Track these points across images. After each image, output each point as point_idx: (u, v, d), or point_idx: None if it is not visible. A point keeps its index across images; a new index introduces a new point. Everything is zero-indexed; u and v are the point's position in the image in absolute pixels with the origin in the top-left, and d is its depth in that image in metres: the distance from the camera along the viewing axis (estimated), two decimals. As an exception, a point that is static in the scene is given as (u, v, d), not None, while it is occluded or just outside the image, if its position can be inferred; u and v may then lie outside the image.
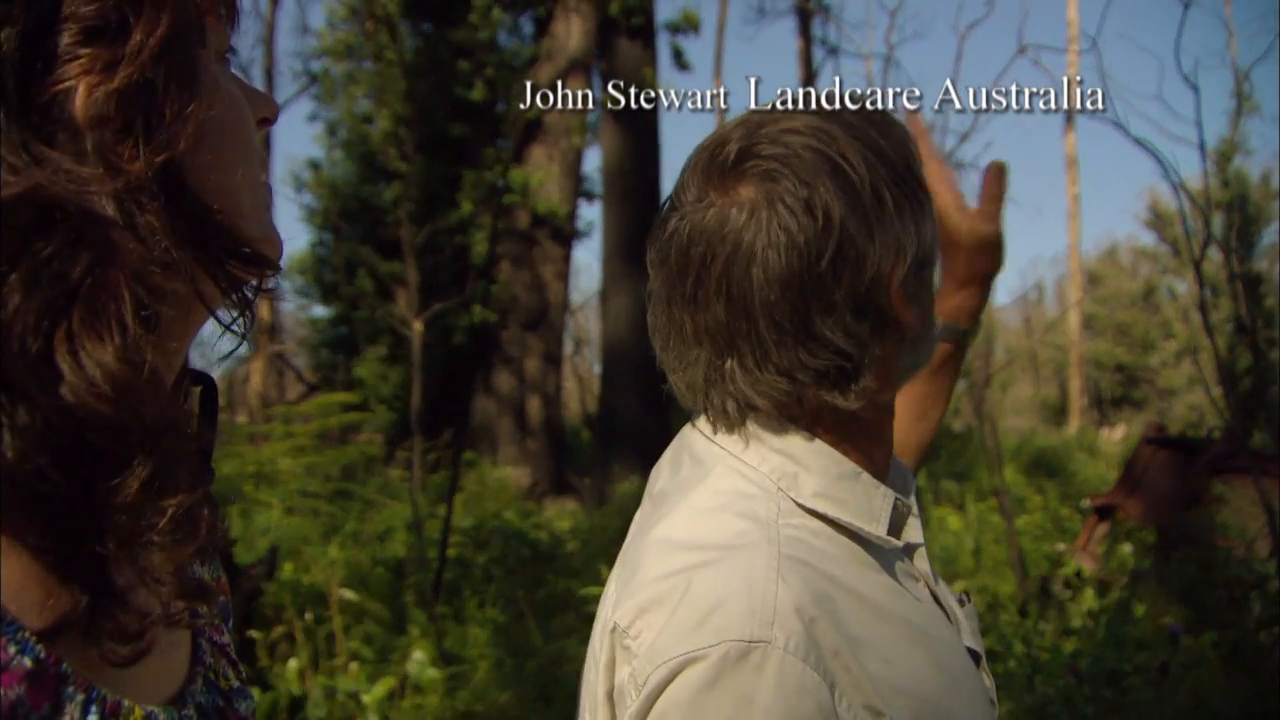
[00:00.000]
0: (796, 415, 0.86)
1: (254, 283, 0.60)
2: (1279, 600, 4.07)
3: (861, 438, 0.87)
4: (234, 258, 0.57)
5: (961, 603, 0.98)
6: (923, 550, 0.93)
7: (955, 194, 1.09)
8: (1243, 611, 4.08)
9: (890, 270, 0.82)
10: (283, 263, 0.64)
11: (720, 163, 0.83)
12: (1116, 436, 16.55)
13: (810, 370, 0.81)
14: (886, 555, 0.87)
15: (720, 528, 0.81)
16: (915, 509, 0.93)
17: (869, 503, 0.86)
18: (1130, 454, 7.14)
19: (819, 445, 0.85)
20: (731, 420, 0.86)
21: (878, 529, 0.85)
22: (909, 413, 1.15)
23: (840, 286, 0.80)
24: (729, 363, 0.83)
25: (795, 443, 0.85)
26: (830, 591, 0.79)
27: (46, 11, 0.50)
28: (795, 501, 0.84)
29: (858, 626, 0.79)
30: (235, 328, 0.60)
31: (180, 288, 0.54)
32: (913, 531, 0.91)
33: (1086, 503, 6.51)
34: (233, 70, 0.64)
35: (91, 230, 0.50)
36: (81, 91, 0.50)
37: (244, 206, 0.59)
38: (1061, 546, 5.95)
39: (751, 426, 0.86)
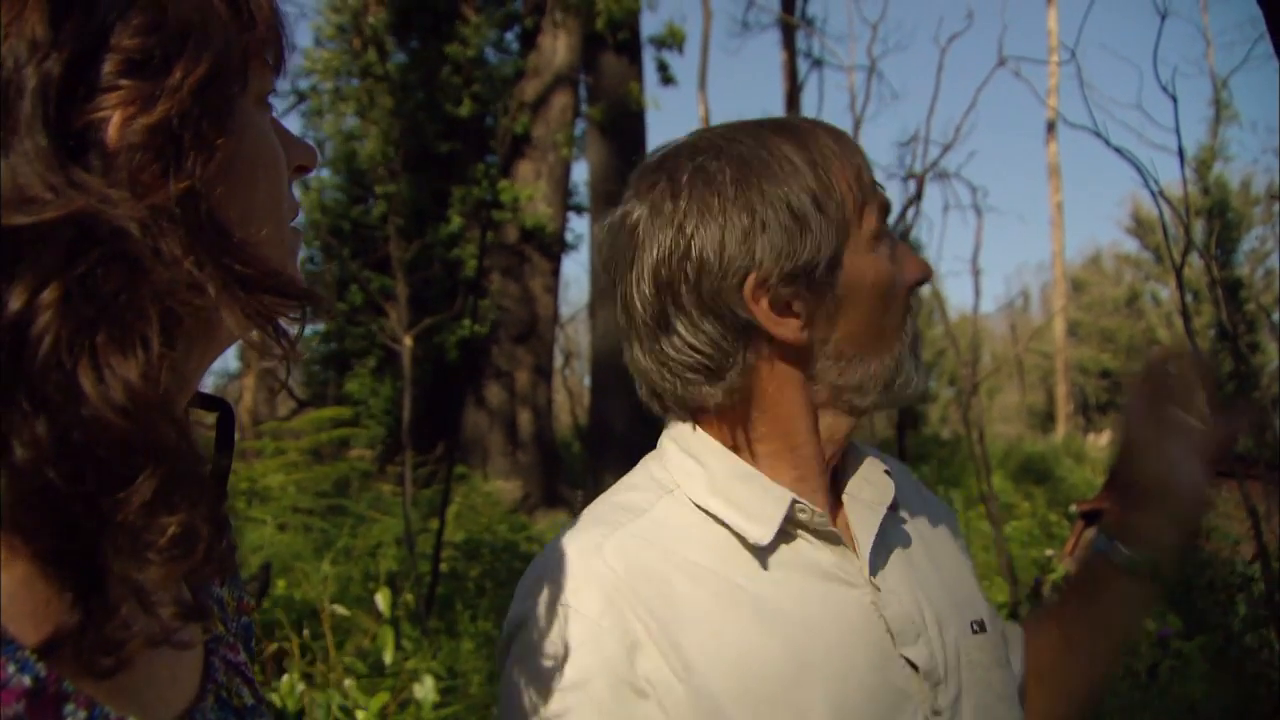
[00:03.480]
0: (697, 413, 0.98)
1: (287, 315, 0.60)
2: (1265, 602, 4.11)
3: (770, 442, 0.96)
4: (263, 289, 0.57)
5: (974, 629, 1.00)
6: (860, 552, 0.96)
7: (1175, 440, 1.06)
8: (1229, 614, 4.12)
9: (742, 278, 0.91)
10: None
11: (643, 168, 0.97)
12: (1103, 442, 16.63)
13: (676, 362, 0.94)
14: (772, 549, 0.94)
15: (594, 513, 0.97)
16: (874, 519, 0.98)
17: (759, 503, 0.94)
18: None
19: (717, 448, 0.96)
20: (662, 414, 1.01)
21: (759, 527, 0.93)
22: (1063, 639, 1.11)
23: (688, 288, 0.92)
24: (634, 348, 0.97)
25: (701, 445, 0.97)
26: (665, 570, 0.90)
27: (93, 40, 0.52)
28: (689, 497, 0.95)
29: (689, 605, 0.89)
30: (276, 357, 0.61)
31: (200, 313, 0.55)
32: (862, 532, 0.97)
33: (1074, 508, 6.55)
34: (274, 116, 0.66)
35: (123, 251, 0.51)
36: (117, 121, 0.51)
37: (267, 242, 0.60)
38: (1050, 552, 5.99)
39: (673, 427, 1.00)
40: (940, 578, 1.03)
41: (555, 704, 0.85)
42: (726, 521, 0.93)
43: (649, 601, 0.88)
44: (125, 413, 0.50)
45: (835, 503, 1.00)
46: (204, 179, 0.54)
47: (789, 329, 0.92)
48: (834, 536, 0.96)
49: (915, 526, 1.06)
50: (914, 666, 0.93)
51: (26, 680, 0.49)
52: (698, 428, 0.98)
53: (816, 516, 0.95)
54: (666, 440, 1.01)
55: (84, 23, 0.52)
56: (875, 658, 0.92)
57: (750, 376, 0.94)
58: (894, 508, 1.03)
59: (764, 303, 0.91)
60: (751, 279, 0.90)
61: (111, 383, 0.50)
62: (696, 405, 0.96)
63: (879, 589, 0.96)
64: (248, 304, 0.56)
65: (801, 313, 0.93)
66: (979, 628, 1.01)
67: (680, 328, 0.93)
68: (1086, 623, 1.10)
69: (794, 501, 0.94)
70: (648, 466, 1.02)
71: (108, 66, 0.52)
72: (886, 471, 1.02)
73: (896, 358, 0.96)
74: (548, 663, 0.87)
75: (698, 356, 0.93)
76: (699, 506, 0.95)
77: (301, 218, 0.71)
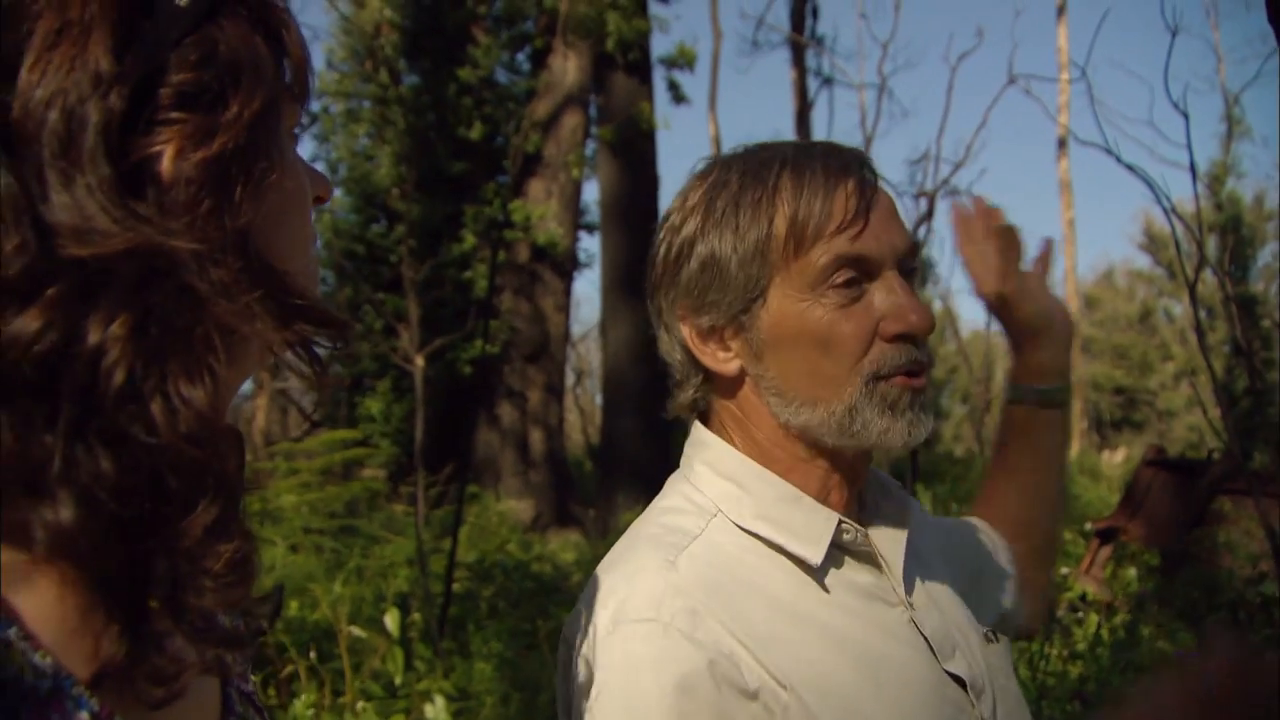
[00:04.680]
0: (711, 423, 1.02)
1: (322, 343, 0.61)
2: (1283, 621, 4.07)
3: (796, 464, 0.98)
4: (302, 318, 0.58)
5: (988, 639, 1.03)
6: (892, 571, 0.98)
7: (990, 268, 1.18)
8: (1247, 633, 4.08)
9: (682, 317, 0.99)
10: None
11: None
12: (1117, 459, 16.53)
13: (669, 361, 1.02)
14: (824, 570, 0.95)
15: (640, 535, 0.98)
16: (901, 539, 1.00)
17: (807, 525, 0.95)
18: (1131, 476, 7.15)
19: (757, 470, 0.98)
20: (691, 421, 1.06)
21: (809, 548, 0.94)
22: (1010, 483, 1.24)
23: (651, 297, 1.02)
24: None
25: (739, 468, 0.99)
26: (734, 590, 0.91)
27: (153, 73, 0.52)
28: (732, 521, 0.96)
29: (764, 625, 0.89)
30: (309, 382, 0.62)
31: (246, 342, 0.56)
32: (890, 551, 0.99)
33: (1089, 526, 6.51)
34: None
35: (185, 283, 0.52)
36: (171, 154, 0.52)
37: (302, 273, 0.62)
38: (1065, 570, 5.94)
39: (702, 449, 1.02)
40: (956, 589, 1.05)
41: (663, 711, 0.83)
42: (778, 544, 0.95)
43: (729, 618, 0.88)
44: (196, 441, 0.51)
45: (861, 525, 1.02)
46: (255, 212, 0.55)
47: (718, 361, 0.98)
48: (870, 557, 0.98)
49: (927, 544, 1.07)
50: (959, 681, 0.95)
51: (85, 717, 0.49)
52: (732, 447, 1.00)
53: (859, 537, 0.97)
54: (698, 464, 1.02)
55: (144, 56, 0.52)
56: (929, 674, 0.94)
57: (718, 395, 1.01)
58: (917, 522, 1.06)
59: (691, 333, 0.99)
60: (679, 308, 0.99)
61: (182, 412, 0.51)
62: (682, 404, 1.04)
63: (914, 607, 0.98)
64: (290, 334, 0.57)
65: (734, 349, 0.98)
66: (992, 637, 1.04)
67: (659, 329, 1.03)
68: (1028, 456, 1.23)
69: (840, 522, 0.96)
70: (681, 489, 1.02)
71: (164, 100, 0.53)
72: (903, 490, 1.04)
73: (848, 405, 0.94)
74: (641, 676, 0.85)
75: (670, 358, 1.02)
76: (745, 530, 0.96)
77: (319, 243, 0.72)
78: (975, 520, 1.23)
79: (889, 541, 0.99)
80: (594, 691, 0.86)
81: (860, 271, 0.94)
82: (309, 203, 0.65)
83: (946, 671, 0.95)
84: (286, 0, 0.62)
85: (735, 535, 0.96)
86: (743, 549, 0.95)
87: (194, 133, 0.53)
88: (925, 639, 0.96)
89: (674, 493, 1.02)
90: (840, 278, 0.93)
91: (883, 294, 0.94)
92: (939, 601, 1.01)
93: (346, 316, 0.62)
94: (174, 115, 0.52)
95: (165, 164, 0.52)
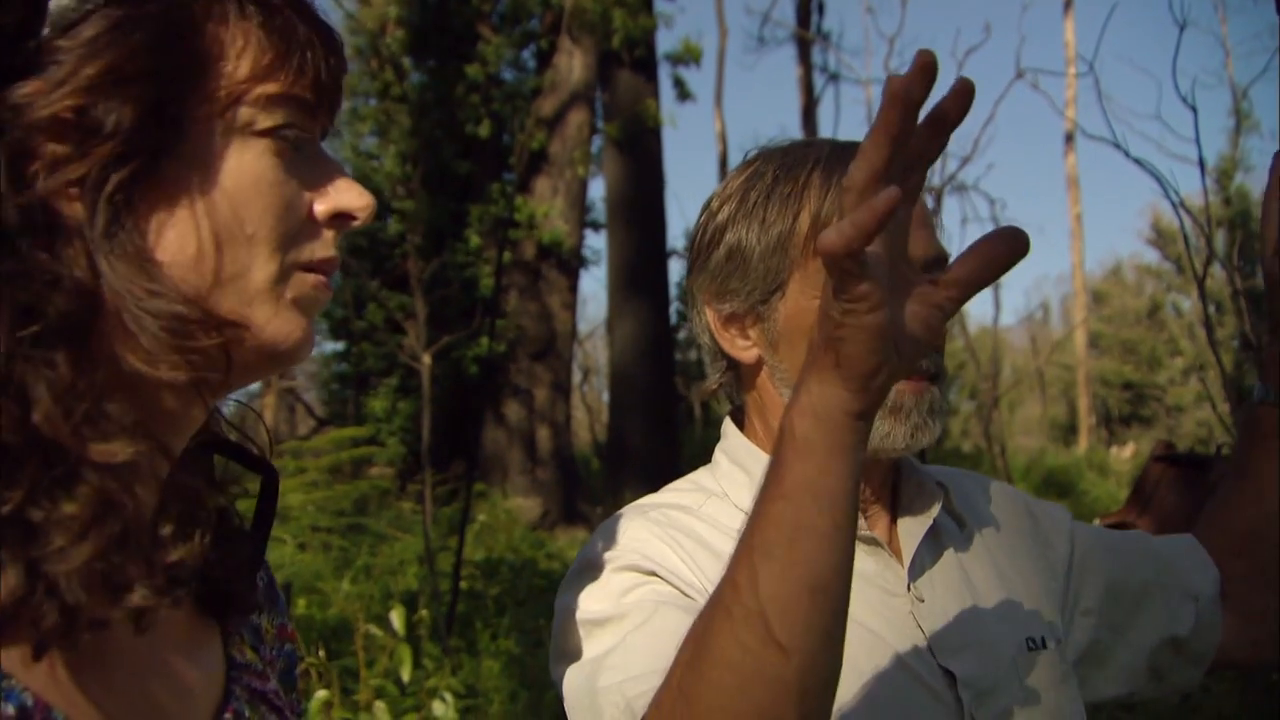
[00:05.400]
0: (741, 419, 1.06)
1: (210, 352, 0.57)
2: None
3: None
4: (172, 318, 0.55)
5: (1030, 646, 1.00)
6: (902, 562, 1.00)
7: None
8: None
9: (707, 301, 1.02)
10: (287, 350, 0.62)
11: None
12: (1126, 454, 16.48)
13: (700, 343, 1.07)
14: None
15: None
16: (919, 531, 1.01)
17: None
18: (1139, 472, 7.13)
19: (761, 456, 1.00)
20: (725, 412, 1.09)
21: None
22: (1245, 491, 1.11)
23: (688, 292, 1.06)
24: None
25: (748, 454, 1.03)
26: (708, 539, 0.96)
27: (34, 15, 0.53)
28: (734, 503, 1.01)
29: None
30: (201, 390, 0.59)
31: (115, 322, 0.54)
32: (906, 544, 1.00)
33: (1098, 521, 6.49)
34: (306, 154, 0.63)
35: (21, 247, 0.52)
36: (12, 105, 0.52)
37: (212, 273, 0.58)
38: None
39: (726, 439, 1.06)
40: (1000, 593, 1.03)
41: (615, 580, 0.92)
42: None
43: (689, 552, 0.94)
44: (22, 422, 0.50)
45: (892, 517, 1.04)
46: (116, 185, 0.54)
47: (737, 348, 1.02)
48: (874, 542, 0.99)
49: (983, 541, 1.07)
50: (951, 676, 0.94)
51: (10, 709, 0.49)
52: (746, 438, 1.04)
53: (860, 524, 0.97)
54: (719, 453, 1.07)
55: (7, 21, 0.52)
56: (912, 663, 0.94)
57: (742, 382, 1.05)
58: (960, 524, 1.05)
59: (715, 318, 1.02)
60: (705, 293, 1.02)
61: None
62: (709, 388, 1.08)
63: (921, 600, 0.98)
64: (145, 325, 0.55)
65: (753, 338, 1.01)
66: (1037, 644, 1.00)
67: (690, 310, 1.07)
68: (1270, 463, 1.08)
69: None
70: (696, 477, 1.08)
71: (48, 51, 0.53)
72: (939, 484, 1.04)
73: None
74: (598, 574, 0.94)
75: (700, 340, 1.06)
76: (743, 510, 0.99)
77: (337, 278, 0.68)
78: (1133, 535, 1.17)
79: (907, 535, 1.01)
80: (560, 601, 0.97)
81: None
82: (274, 208, 0.61)
83: (942, 666, 0.95)
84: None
85: (732, 513, 1.00)
86: (735, 524, 0.97)
87: (37, 88, 0.53)
88: (923, 632, 0.96)
89: (687, 479, 1.08)
90: None
91: None
92: (962, 599, 1.00)
93: (336, 308, 0.60)
94: (46, 66, 0.53)
95: (4, 116, 0.52)
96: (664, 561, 0.93)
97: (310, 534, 6.15)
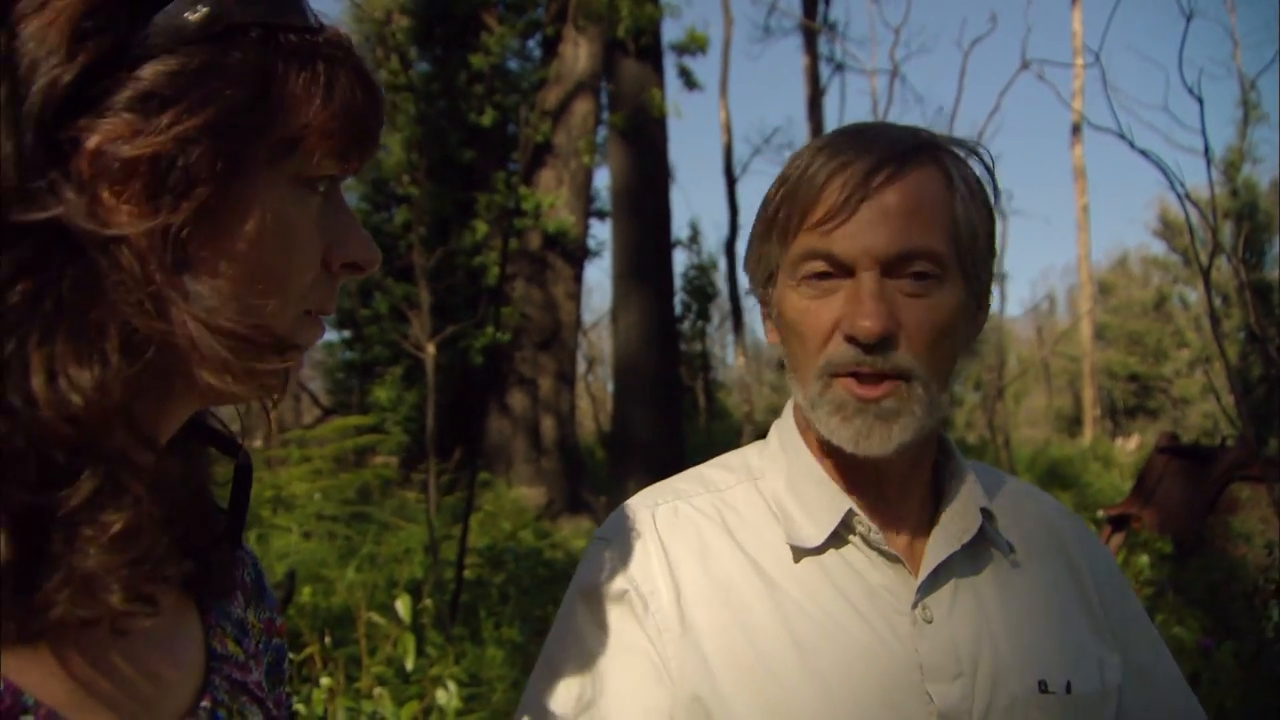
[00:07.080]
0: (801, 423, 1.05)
1: (257, 366, 0.60)
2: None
3: (816, 443, 1.01)
4: (231, 336, 0.58)
5: (1042, 689, 0.95)
6: (917, 579, 0.97)
7: None
8: (1262, 620, 4.06)
9: (751, 281, 1.03)
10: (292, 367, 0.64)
11: None
12: (1131, 446, 16.44)
13: None
14: (818, 553, 0.98)
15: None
16: (944, 551, 0.98)
17: (818, 505, 0.99)
18: (1144, 463, 7.12)
19: (802, 447, 1.03)
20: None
21: (814, 528, 0.98)
22: None
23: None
24: None
25: (794, 442, 1.04)
26: (708, 542, 0.99)
27: (111, 63, 0.53)
28: (768, 486, 1.02)
29: (719, 575, 0.97)
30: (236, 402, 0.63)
31: (145, 338, 0.56)
32: (927, 562, 0.97)
33: (1101, 513, 6.48)
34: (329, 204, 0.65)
35: (90, 266, 0.53)
36: (97, 141, 0.53)
37: (262, 310, 0.60)
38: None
39: (784, 418, 1.07)
40: (1018, 628, 0.98)
41: (566, 605, 1.03)
42: (789, 516, 0.99)
43: (676, 560, 0.97)
44: (73, 419, 0.52)
45: (926, 533, 1.00)
46: (182, 220, 0.55)
47: (769, 332, 1.04)
48: (892, 556, 0.97)
49: (1019, 572, 1.02)
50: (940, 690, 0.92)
51: None
52: (795, 425, 1.05)
53: (873, 532, 0.97)
54: (773, 431, 1.08)
55: (106, 45, 0.53)
56: (890, 679, 0.92)
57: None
58: (1004, 550, 1.01)
59: (762, 307, 1.04)
60: (758, 287, 1.04)
61: (65, 390, 0.52)
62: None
63: (929, 621, 0.95)
64: (215, 347, 0.57)
65: (772, 320, 1.03)
66: (1048, 688, 0.95)
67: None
68: None
69: (851, 511, 0.97)
70: (747, 452, 1.09)
71: (123, 94, 0.53)
72: (984, 509, 1.00)
73: (809, 396, 0.96)
74: (576, 575, 1.03)
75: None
76: (766, 497, 1.02)
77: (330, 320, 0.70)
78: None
79: (931, 555, 0.98)
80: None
81: (835, 266, 0.93)
82: (300, 254, 0.63)
83: (927, 690, 0.92)
84: (346, 50, 0.62)
85: (760, 500, 1.02)
86: (757, 513, 1.01)
87: (124, 129, 0.53)
88: (917, 653, 0.94)
89: (740, 452, 1.10)
90: (810, 270, 0.94)
91: (848, 294, 0.92)
92: (975, 627, 0.96)
93: (276, 372, 0.61)
94: (120, 109, 0.53)
95: (89, 149, 0.53)
96: (644, 584, 0.98)
97: (315, 522, 6.16)
